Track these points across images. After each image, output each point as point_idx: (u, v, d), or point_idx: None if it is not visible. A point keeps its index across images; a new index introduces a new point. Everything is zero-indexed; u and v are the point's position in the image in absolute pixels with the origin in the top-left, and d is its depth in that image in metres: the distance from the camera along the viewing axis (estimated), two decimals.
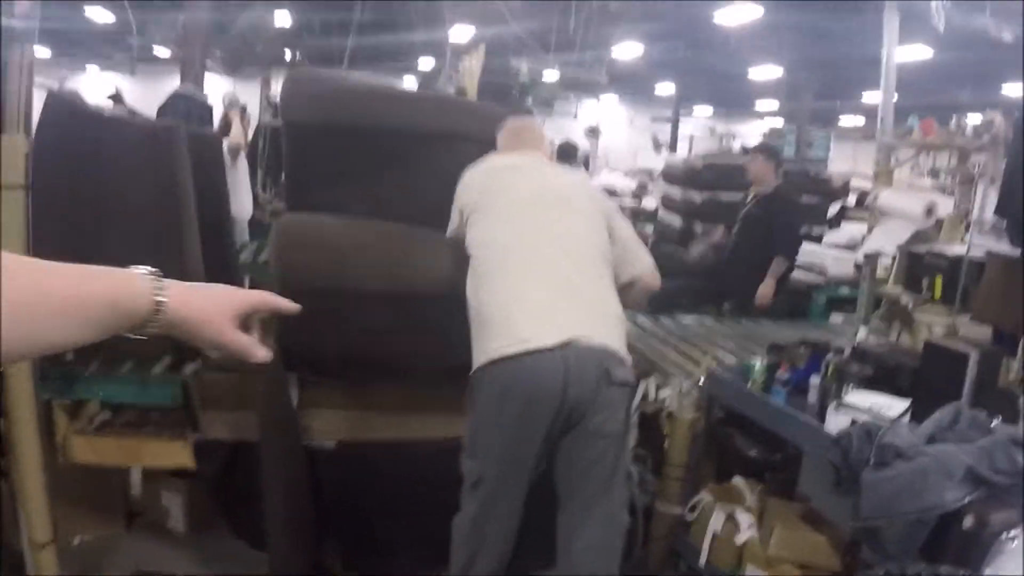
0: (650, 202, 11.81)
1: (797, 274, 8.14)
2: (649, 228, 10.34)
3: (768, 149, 7.27)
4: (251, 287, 5.65)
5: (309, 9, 16.45)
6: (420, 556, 3.62)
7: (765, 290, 6.35)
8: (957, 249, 3.92)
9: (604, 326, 3.05)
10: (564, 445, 3.04)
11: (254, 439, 3.49)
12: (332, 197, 3.33)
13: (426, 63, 21.63)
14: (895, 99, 5.90)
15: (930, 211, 4.14)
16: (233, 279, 4.23)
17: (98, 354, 3.58)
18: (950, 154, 4.75)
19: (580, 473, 3.07)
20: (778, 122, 26.49)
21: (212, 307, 1.24)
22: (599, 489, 3.07)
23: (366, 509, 3.74)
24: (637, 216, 11.63)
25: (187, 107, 9.52)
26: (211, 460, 3.78)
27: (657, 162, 20.61)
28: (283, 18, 15.66)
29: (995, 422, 3.09)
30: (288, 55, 17.53)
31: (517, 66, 11.15)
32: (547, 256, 3.12)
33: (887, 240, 4.33)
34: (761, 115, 27.25)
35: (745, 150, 7.58)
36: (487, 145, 3.57)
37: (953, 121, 4.15)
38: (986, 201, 3.66)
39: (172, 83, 14.22)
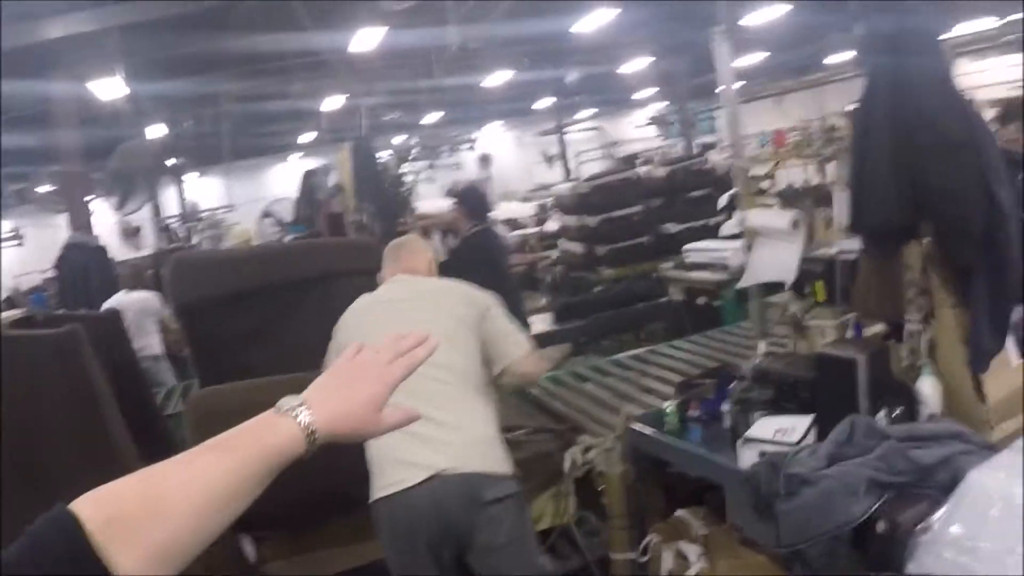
0: (552, 225, 12.04)
1: (702, 275, 8.39)
2: (554, 253, 10.59)
3: (460, 194, 7.14)
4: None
5: (179, 111, 16.48)
6: None
7: None
8: (831, 251, 4.09)
9: (472, 454, 3.32)
10: (470, 562, 3.36)
11: None
12: (241, 361, 3.47)
13: (304, 138, 22.07)
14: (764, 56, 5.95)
15: (796, 224, 4.35)
16: (168, 450, 4.31)
17: None
18: (804, 165, 4.96)
19: None
20: (660, 107, 26.70)
21: (358, 413, 1.29)
22: None
23: None
24: (541, 242, 11.92)
25: (83, 257, 9.71)
26: None
27: (550, 175, 21.13)
28: (156, 130, 15.64)
29: (896, 412, 3.31)
30: (169, 161, 17.51)
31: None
32: (413, 398, 3.33)
33: (771, 269, 4.50)
34: (643, 103, 27.55)
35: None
36: (362, 276, 3.80)
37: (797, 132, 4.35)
38: (843, 207, 3.79)
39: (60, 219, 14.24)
